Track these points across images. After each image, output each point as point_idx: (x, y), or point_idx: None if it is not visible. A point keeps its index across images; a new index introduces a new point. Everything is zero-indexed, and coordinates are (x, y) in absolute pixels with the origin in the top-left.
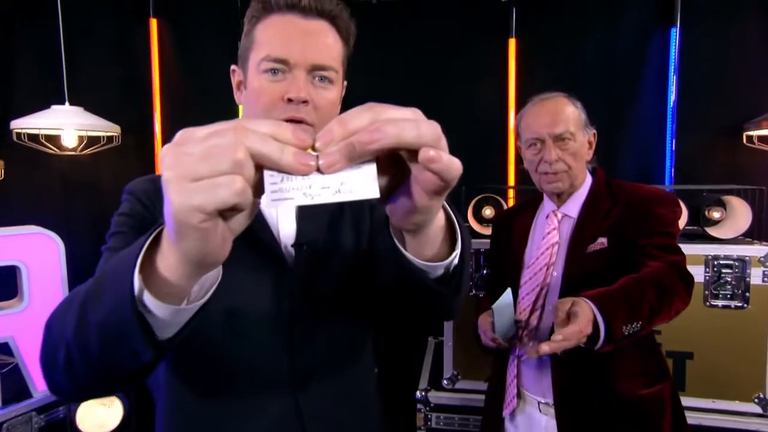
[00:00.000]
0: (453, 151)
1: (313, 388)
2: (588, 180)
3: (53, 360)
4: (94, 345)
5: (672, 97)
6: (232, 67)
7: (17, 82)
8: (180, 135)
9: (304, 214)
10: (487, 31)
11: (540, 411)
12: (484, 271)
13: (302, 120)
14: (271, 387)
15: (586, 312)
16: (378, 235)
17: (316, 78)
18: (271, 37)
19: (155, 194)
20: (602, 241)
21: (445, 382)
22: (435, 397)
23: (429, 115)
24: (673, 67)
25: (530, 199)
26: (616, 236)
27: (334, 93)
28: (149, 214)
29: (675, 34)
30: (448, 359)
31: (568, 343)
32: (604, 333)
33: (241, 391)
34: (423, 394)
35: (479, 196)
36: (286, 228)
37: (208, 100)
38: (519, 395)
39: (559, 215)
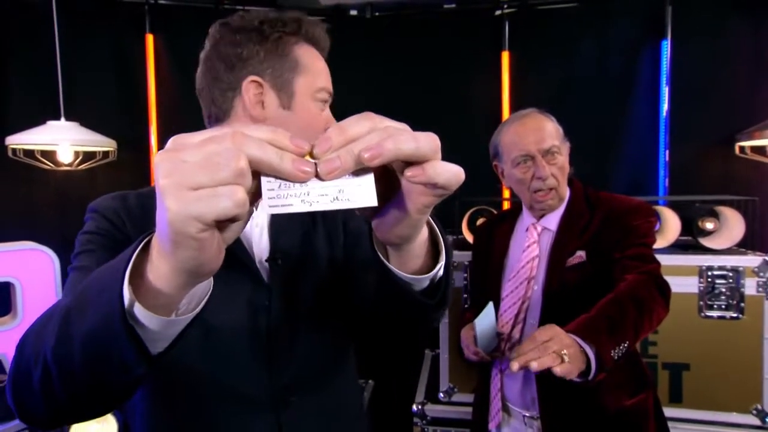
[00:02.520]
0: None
1: (294, 405)
2: (567, 193)
3: (26, 382)
4: (79, 361)
5: (664, 108)
6: (255, 78)
7: (13, 97)
8: (173, 141)
9: (278, 227)
10: (480, 45)
11: (525, 424)
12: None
13: None
14: (251, 406)
15: (551, 328)
16: (355, 247)
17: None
18: (322, 71)
19: (124, 211)
20: (580, 254)
21: (441, 395)
22: (431, 410)
23: (423, 127)
24: (664, 78)
25: (510, 209)
26: (593, 249)
27: None
28: (118, 232)
29: (666, 46)
30: (444, 372)
31: (533, 355)
32: (595, 362)
33: (220, 412)
34: (419, 407)
35: (473, 209)
36: (259, 242)
37: (201, 115)
38: (504, 408)
39: (539, 228)
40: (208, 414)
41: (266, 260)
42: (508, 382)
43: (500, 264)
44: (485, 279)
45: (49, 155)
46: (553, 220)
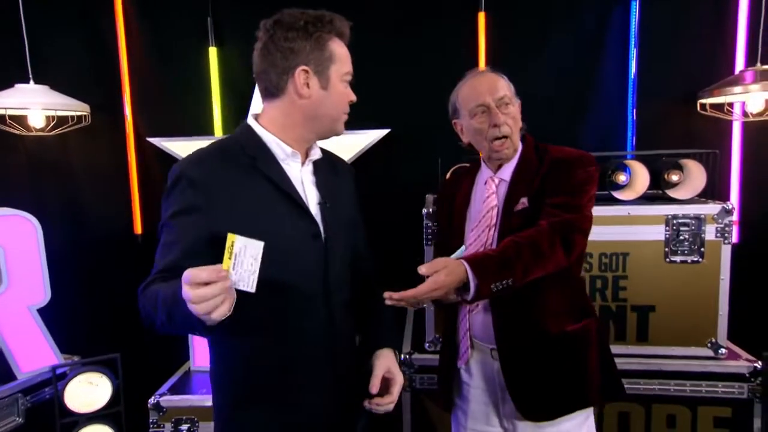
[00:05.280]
0: (427, 126)
1: (336, 299)
2: (519, 146)
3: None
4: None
5: (632, 68)
6: (305, 67)
7: None
8: None
9: (322, 183)
10: (456, 5)
11: (492, 357)
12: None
13: None
14: (311, 299)
15: (439, 279)
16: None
17: None
18: (347, 58)
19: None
20: (524, 201)
21: (427, 344)
22: (418, 359)
23: (399, 90)
24: (633, 39)
25: (470, 166)
26: (535, 196)
27: None
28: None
29: (635, 7)
30: (430, 323)
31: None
32: (474, 290)
33: (289, 302)
34: (407, 356)
35: (455, 167)
36: (309, 192)
37: (176, 78)
38: (472, 345)
39: (497, 180)
40: (279, 302)
41: (318, 203)
42: (474, 321)
43: (463, 215)
44: (450, 230)
45: (20, 120)
46: (507, 172)
